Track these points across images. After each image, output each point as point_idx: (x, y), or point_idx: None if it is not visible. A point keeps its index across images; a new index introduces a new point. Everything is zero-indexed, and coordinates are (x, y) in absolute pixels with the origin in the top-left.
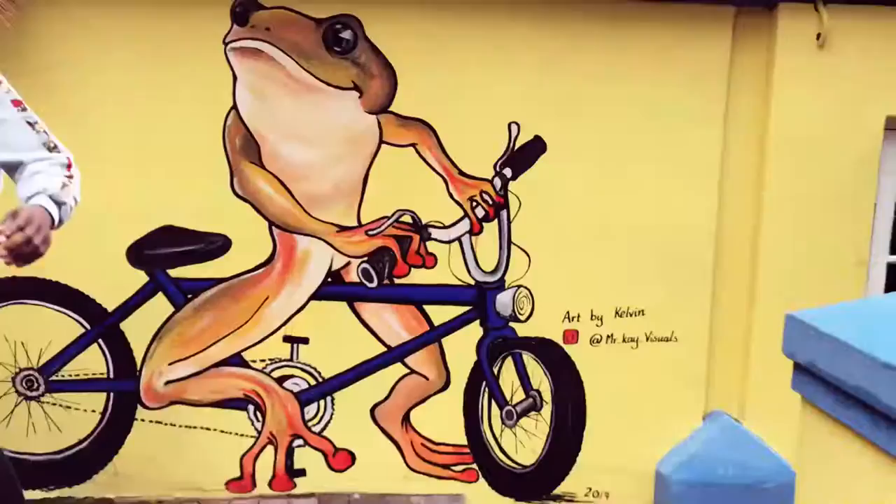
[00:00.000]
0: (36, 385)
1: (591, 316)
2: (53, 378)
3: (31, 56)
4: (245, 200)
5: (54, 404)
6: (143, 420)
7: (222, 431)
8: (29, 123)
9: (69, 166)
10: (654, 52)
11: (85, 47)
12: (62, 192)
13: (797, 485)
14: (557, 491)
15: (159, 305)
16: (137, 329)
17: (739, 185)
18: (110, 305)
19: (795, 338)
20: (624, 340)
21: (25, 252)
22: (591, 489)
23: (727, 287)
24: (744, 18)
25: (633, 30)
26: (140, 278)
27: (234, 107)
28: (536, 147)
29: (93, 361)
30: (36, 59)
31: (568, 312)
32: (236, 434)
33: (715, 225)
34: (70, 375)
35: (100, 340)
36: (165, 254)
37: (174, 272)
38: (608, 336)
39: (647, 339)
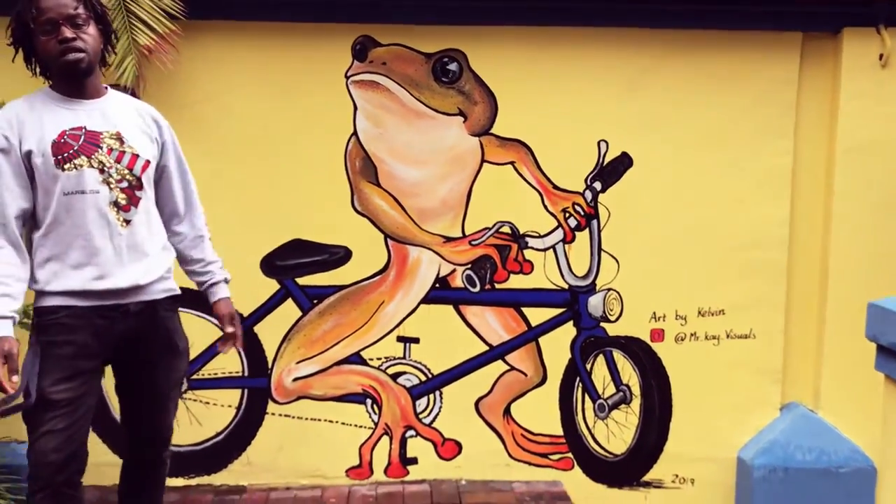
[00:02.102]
0: None
1: (676, 316)
2: (195, 377)
3: (178, 93)
4: (364, 216)
5: (195, 400)
6: (273, 414)
7: (343, 423)
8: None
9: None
10: (729, 74)
11: (224, 83)
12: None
13: (884, 450)
14: (646, 478)
15: (288, 310)
16: (269, 331)
17: (810, 192)
18: (246, 311)
19: (877, 323)
20: (706, 338)
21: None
22: (677, 476)
23: (800, 287)
24: (811, 42)
25: (710, 54)
26: (272, 286)
27: (355, 133)
28: (624, 162)
29: (230, 361)
30: (183, 96)
31: (654, 313)
32: (355, 426)
33: (788, 230)
34: (209, 374)
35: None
36: (294, 264)
37: (301, 280)
38: (691, 334)
39: (728, 336)
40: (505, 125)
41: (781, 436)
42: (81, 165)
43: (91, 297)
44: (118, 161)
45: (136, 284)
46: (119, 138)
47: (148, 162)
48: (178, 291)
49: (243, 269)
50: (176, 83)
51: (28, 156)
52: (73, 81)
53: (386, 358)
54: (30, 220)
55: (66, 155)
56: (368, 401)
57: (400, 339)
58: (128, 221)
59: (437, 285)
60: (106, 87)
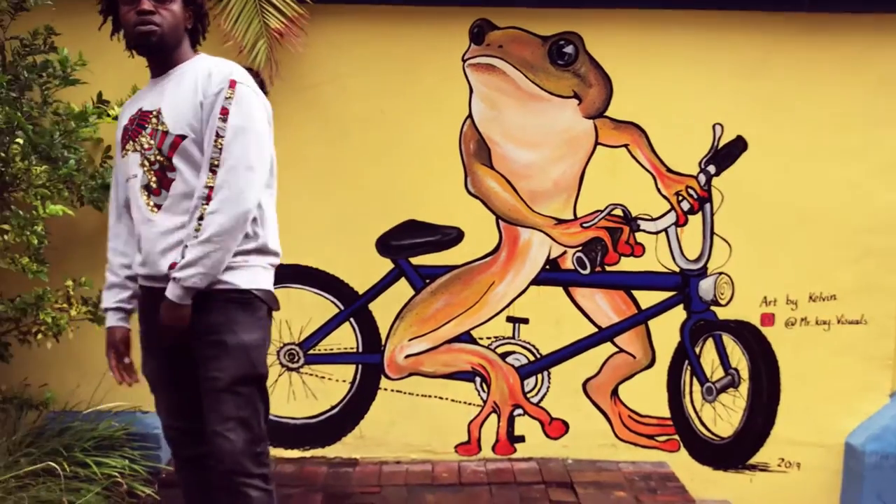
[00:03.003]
0: (297, 358)
1: (787, 300)
2: (311, 352)
3: (302, 75)
4: (476, 197)
5: (311, 375)
6: (385, 389)
7: (452, 400)
8: (217, 136)
9: (208, 198)
10: (850, 58)
11: (345, 65)
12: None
13: None
14: (752, 461)
15: (401, 289)
16: (383, 309)
17: None
18: (361, 288)
19: None
20: (816, 323)
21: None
22: (783, 460)
23: None
24: None
25: (831, 37)
26: (386, 265)
27: (470, 115)
28: (738, 146)
29: (345, 337)
30: (306, 77)
31: (765, 297)
32: (464, 403)
33: None
34: (325, 350)
35: (351, 319)
36: (408, 244)
37: (415, 260)
38: (802, 319)
39: (839, 321)
40: (619, 108)
41: (893, 422)
42: (128, 150)
43: (144, 279)
44: (153, 140)
45: (165, 274)
46: (158, 115)
47: (180, 138)
48: (232, 284)
49: (359, 249)
50: (301, 66)
51: None
52: (146, 56)
53: (495, 337)
54: None
55: (122, 141)
56: (477, 379)
57: (509, 319)
58: (158, 206)
59: (548, 267)
60: (195, 54)
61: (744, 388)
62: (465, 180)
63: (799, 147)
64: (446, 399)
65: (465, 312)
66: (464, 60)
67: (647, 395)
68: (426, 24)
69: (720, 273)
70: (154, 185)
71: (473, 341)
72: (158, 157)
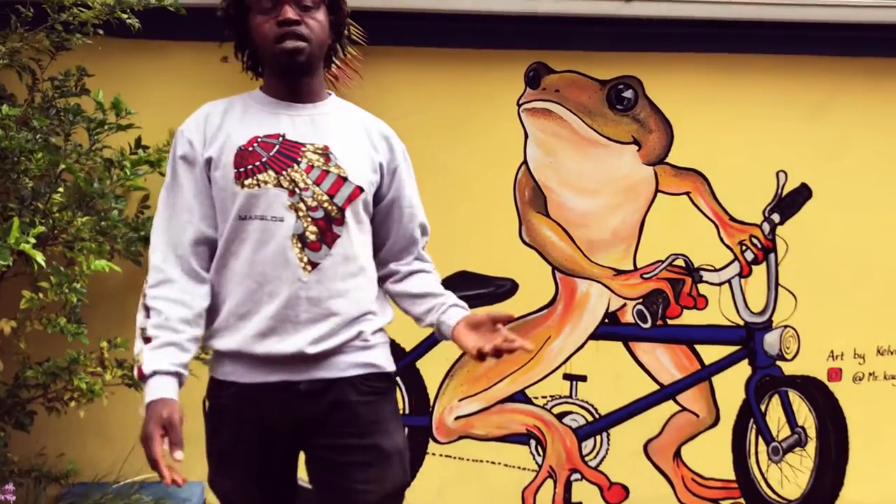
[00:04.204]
0: None
1: (854, 354)
2: None
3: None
4: (531, 247)
5: None
6: (433, 454)
7: (506, 465)
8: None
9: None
10: None
11: (398, 108)
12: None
13: None
14: None
15: (451, 346)
16: (432, 367)
17: None
18: (408, 345)
19: None
20: (885, 378)
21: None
22: None
23: None
24: None
25: (887, 83)
26: None
27: (525, 162)
28: (802, 193)
29: None
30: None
31: (832, 351)
32: (518, 468)
33: None
34: None
35: (398, 378)
36: (460, 297)
37: None
38: (870, 374)
39: None
40: (680, 154)
41: None
42: (266, 182)
43: (256, 367)
44: (318, 183)
45: (301, 353)
46: (325, 154)
47: (359, 190)
48: (388, 368)
49: None
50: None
51: (208, 164)
52: (287, 78)
53: (551, 396)
54: None
55: (249, 168)
56: (532, 441)
57: (566, 376)
58: (314, 265)
59: (607, 320)
60: (329, 94)
61: (811, 447)
62: (519, 229)
63: (864, 194)
64: (499, 464)
65: (519, 370)
66: (519, 105)
67: (711, 456)
68: (481, 67)
69: (786, 326)
70: (312, 238)
71: (528, 401)
72: (326, 205)
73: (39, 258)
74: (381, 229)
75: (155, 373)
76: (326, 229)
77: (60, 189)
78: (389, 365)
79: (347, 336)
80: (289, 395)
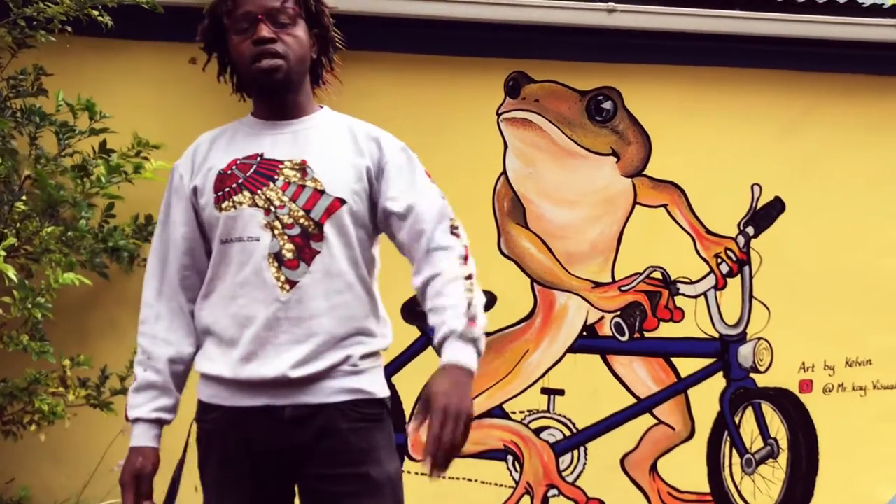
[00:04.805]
0: None
1: (825, 366)
2: None
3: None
4: (510, 259)
5: None
6: (409, 472)
7: (482, 482)
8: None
9: (466, 257)
10: (881, 118)
11: (371, 115)
12: (470, 323)
13: None
14: None
15: (429, 359)
16: (408, 382)
17: None
18: (384, 359)
19: None
20: (853, 389)
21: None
22: None
23: None
24: None
25: (863, 98)
26: (412, 333)
27: (504, 172)
28: (776, 207)
29: None
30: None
31: (803, 363)
32: (496, 484)
33: None
34: None
35: None
36: None
37: None
38: (839, 385)
39: (874, 387)
40: (658, 166)
41: None
42: (241, 203)
43: (239, 391)
44: (293, 199)
45: (284, 377)
46: (302, 168)
47: (339, 202)
48: (379, 394)
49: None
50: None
51: (194, 193)
52: (268, 97)
53: (529, 411)
54: None
55: (227, 190)
56: (510, 457)
57: (544, 390)
58: (292, 283)
59: (585, 333)
60: (320, 107)
61: (782, 458)
62: (498, 241)
63: (834, 208)
64: (476, 481)
65: (497, 384)
66: (498, 114)
67: (687, 469)
68: (461, 75)
69: (759, 338)
70: (290, 256)
71: (506, 416)
72: (302, 221)
73: (11, 273)
74: (396, 234)
75: (137, 420)
76: (304, 246)
77: (23, 197)
78: (382, 391)
79: (334, 360)
80: (273, 421)
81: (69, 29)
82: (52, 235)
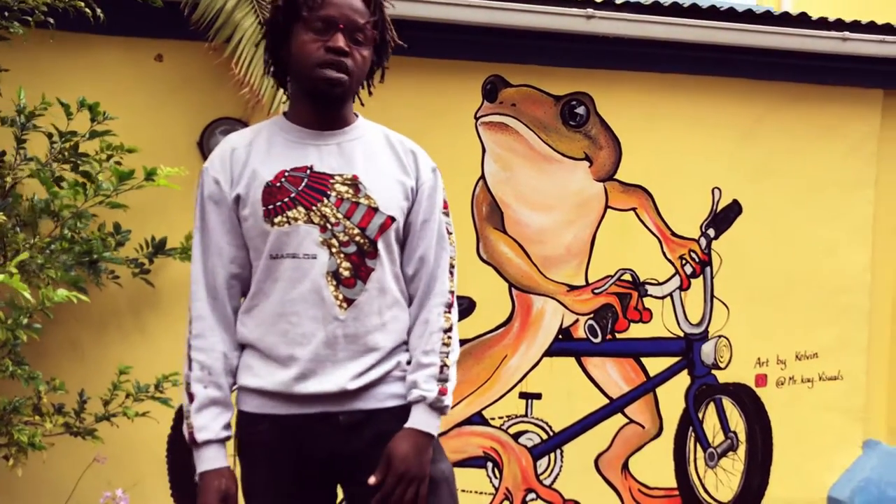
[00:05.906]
0: None
1: (777, 360)
2: None
3: None
4: (489, 264)
5: None
6: None
7: (462, 490)
8: (448, 232)
9: (451, 305)
10: (826, 126)
11: (361, 112)
12: (441, 392)
13: None
14: None
15: None
16: None
17: (889, 240)
18: None
19: None
20: (802, 381)
21: None
22: None
23: (881, 330)
24: (891, 99)
25: (812, 106)
26: None
27: (482, 177)
28: (734, 209)
29: None
30: None
31: (759, 358)
32: (475, 492)
33: (870, 276)
34: None
35: None
36: None
37: None
38: (790, 378)
39: (820, 378)
40: (627, 170)
41: (873, 473)
42: (296, 219)
43: (291, 401)
44: (348, 216)
45: (343, 390)
46: (354, 184)
47: (391, 220)
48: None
49: None
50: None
51: (236, 202)
52: (318, 105)
53: (508, 416)
54: None
55: (278, 204)
56: (489, 464)
57: (522, 395)
58: (350, 301)
59: (560, 336)
60: (356, 115)
61: (741, 450)
62: (477, 246)
63: (784, 211)
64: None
65: (476, 390)
66: (476, 118)
67: (655, 465)
68: (438, 77)
69: (720, 336)
70: (347, 274)
71: (485, 422)
72: (358, 238)
73: (27, 293)
74: (401, 250)
75: (208, 442)
76: (360, 264)
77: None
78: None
79: (387, 368)
80: (328, 427)
81: (52, 21)
82: (35, 247)
